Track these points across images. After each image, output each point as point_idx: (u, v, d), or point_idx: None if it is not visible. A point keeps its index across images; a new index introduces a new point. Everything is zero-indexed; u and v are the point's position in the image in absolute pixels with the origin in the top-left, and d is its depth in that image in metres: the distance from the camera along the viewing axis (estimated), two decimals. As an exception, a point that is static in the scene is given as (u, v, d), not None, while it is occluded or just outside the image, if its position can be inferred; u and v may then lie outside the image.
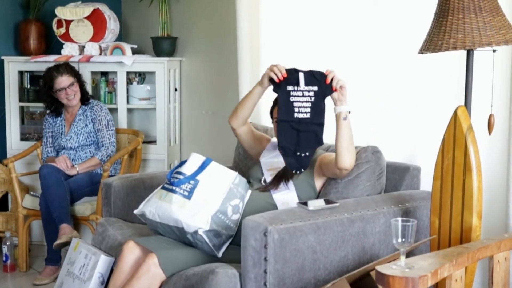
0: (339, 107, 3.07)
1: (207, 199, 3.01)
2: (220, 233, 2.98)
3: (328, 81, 3.06)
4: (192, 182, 3.05)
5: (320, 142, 3.13)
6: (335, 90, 3.06)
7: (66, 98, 4.66)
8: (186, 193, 3.02)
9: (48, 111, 4.87)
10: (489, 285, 2.61)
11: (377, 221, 3.06)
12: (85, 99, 4.77)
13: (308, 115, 3.08)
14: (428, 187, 3.20)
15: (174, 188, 3.05)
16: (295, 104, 3.09)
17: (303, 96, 3.09)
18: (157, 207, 3.06)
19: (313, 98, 3.07)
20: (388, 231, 3.07)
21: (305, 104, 3.09)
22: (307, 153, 3.11)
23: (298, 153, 3.12)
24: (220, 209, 3.00)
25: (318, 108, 3.08)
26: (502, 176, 3.24)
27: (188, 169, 3.10)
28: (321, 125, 3.10)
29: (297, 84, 3.09)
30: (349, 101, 3.09)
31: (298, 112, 3.10)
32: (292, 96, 3.10)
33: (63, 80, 4.66)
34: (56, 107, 4.77)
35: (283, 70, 3.13)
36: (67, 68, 4.72)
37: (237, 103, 3.47)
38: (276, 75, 3.12)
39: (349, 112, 3.08)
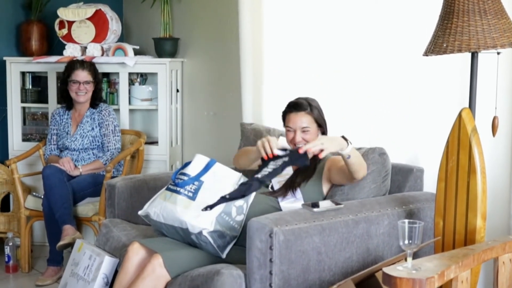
0: (340, 153, 3.04)
1: (211, 199, 3.02)
2: (224, 233, 2.98)
3: (301, 151, 3.03)
4: (196, 183, 3.06)
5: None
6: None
7: (76, 92, 4.69)
8: (190, 194, 3.03)
9: (59, 106, 4.91)
10: (494, 287, 2.62)
11: (381, 223, 3.07)
12: (95, 103, 4.79)
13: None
14: (431, 189, 3.22)
15: (178, 189, 3.06)
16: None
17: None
18: (162, 208, 3.07)
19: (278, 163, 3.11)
20: (392, 232, 3.08)
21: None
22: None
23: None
24: (225, 210, 3.01)
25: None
26: (506, 177, 3.26)
27: (192, 170, 3.11)
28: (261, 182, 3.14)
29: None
30: (343, 143, 2.98)
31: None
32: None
33: (83, 75, 4.71)
34: (69, 100, 4.79)
35: (274, 148, 3.14)
36: (91, 67, 4.79)
37: (238, 152, 3.62)
38: (265, 150, 3.15)
39: (350, 144, 3.01)
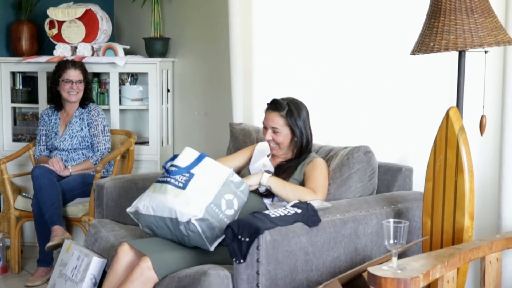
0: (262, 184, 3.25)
1: (202, 190, 3.00)
2: (213, 225, 2.95)
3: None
4: (187, 174, 3.04)
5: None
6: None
7: (68, 92, 4.69)
8: (181, 184, 3.01)
9: (48, 106, 4.90)
10: (481, 286, 2.62)
11: (369, 222, 3.06)
12: (84, 103, 4.79)
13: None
14: (420, 188, 3.21)
15: (169, 179, 3.05)
16: None
17: None
18: (151, 199, 3.06)
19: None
20: (381, 232, 3.07)
21: None
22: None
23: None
24: (214, 201, 2.98)
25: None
26: (494, 177, 3.25)
27: (182, 161, 3.10)
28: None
29: None
30: (259, 175, 3.25)
31: None
32: None
33: (75, 74, 4.72)
34: (58, 100, 4.80)
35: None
36: (82, 66, 4.81)
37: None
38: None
39: (268, 173, 3.27)
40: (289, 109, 3.33)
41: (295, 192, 3.18)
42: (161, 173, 3.30)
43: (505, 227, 3.12)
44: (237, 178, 3.13)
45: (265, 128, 3.39)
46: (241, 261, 2.73)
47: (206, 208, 2.96)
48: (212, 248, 2.99)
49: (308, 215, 2.89)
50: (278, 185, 3.21)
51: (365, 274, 2.69)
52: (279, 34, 4.18)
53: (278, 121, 3.33)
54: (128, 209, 3.19)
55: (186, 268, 2.94)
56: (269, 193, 3.27)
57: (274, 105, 3.36)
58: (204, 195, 2.99)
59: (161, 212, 3.02)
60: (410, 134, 3.62)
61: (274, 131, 3.34)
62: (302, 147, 3.37)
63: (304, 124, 3.35)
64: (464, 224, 2.67)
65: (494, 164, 3.25)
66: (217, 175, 3.07)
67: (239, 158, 3.64)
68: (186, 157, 3.12)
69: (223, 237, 3.00)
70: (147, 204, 3.07)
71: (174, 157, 3.16)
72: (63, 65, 4.76)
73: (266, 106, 3.42)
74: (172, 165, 3.11)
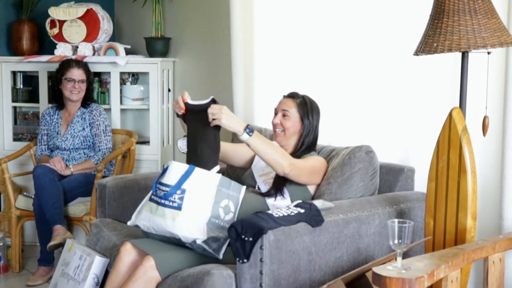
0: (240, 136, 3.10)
1: (198, 206, 2.97)
2: (218, 237, 2.95)
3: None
4: (179, 192, 2.98)
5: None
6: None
7: (70, 91, 4.70)
8: (176, 205, 2.97)
9: (49, 105, 4.91)
10: (484, 286, 2.63)
11: (372, 222, 3.06)
12: (86, 102, 4.79)
13: None
14: (422, 189, 3.22)
15: (163, 201, 3.00)
16: None
17: None
18: (151, 221, 3.03)
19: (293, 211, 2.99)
20: (383, 232, 3.08)
21: None
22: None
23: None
24: (213, 214, 2.98)
25: None
26: (496, 177, 3.26)
27: (171, 179, 3.03)
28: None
29: None
30: (237, 129, 3.04)
31: None
32: None
33: (78, 73, 4.74)
34: (60, 99, 4.81)
35: (182, 100, 3.20)
36: (85, 66, 4.84)
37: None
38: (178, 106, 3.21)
39: (251, 132, 3.06)
40: (304, 100, 3.39)
41: (269, 154, 3.12)
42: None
43: (507, 228, 3.13)
44: (225, 180, 3.08)
45: (276, 113, 3.42)
46: (245, 260, 2.74)
47: (207, 225, 2.95)
48: (220, 256, 2.98)
49: (311, 215, 2.89)
50: (258, 145, 3.10)
51: (368, 274, 2.70)
52: (280, 34, 4.19)
53: (291, 105, 3.38)
54: (129, 223, 3.16)
55: (189, 267, 2.94)
56: (271, 193, 3.27)
57: (291, 94, 3.44)
58: (201, 211, 2.97)
59: (163, 233, 3.01)
60: (412, 134, 3.63)
61: (284, 114, 3.37)
62: (304, 144, 3.38)
63: (314, 123, 3.40)
64: (467, 224, 2.68)
65: (497, 164, 3.25)
66: (209, 185, 3.02)
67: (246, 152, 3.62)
68: (174, 173, 3.04)
69: (228, 241, 2.98)
70: (147, 224, 3.05)
71: (164, 171, 3.11)
72: (67, 63, 4.77)
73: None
74: (161, 184, 3.05)
